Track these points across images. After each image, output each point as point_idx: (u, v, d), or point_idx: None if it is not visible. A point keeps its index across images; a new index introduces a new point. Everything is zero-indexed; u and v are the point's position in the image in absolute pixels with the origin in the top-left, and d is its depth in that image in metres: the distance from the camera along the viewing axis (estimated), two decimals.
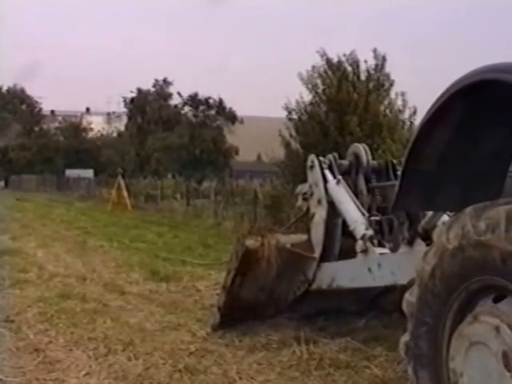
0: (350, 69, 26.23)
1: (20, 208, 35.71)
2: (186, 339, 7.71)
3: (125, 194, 35.77)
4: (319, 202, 8.01)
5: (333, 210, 7.82)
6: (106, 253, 15.93)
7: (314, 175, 8.19)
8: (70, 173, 67.28)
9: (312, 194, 8.19)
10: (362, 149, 8.24)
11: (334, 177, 7.99)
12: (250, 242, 7.62)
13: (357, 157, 8.22)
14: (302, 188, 8.57)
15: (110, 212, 32.67)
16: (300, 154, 24.93)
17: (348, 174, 8.18)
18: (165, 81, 76.26)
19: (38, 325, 8.40)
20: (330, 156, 8.30)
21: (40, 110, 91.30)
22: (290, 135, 26.63)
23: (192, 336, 7.87)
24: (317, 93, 26.21)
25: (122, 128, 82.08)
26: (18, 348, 7.40)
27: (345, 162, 8.32)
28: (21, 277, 11.91)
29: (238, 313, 7.83)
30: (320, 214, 7.94)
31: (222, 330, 7.84)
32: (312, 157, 8.38)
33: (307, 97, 26.49)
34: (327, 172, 8.09)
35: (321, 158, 8.24)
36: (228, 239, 16.53)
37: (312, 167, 8.27)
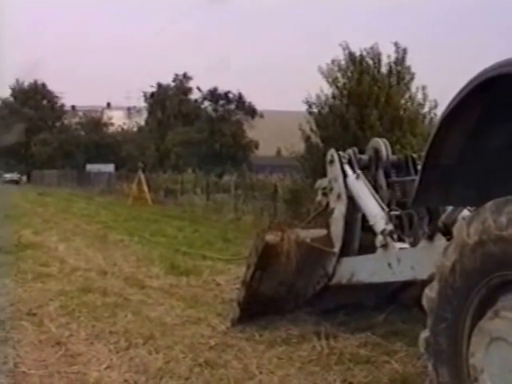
0: (371, 62, 26.14)
1: (42, 202, 35.92)
2: (206, 333, 7.73)
3: (145, 188, 35.89)
4: (339, 196, 8.00)
5: (352, 204, 7.81)
6: (127, 247, 16.00)
7: (334, 170, 8.18)
8: (91, 167, 67.57)
9: (332, 189, 8.18)
10: (381, 143, 8.21)
11: (354, 171, 7.97)
12: (270, 237, 7.61)
13: (376, 151, 8.20)
14: (322, 183, 8.56)
15: (131, 206, 32.79)
16: (320, 148, 24.85)
17: (368, 169, 8.16)
18: (185, 75, 76.39)
19: (59, 318, 8.45)
20: (349, 151, 8.28)
21: (61, 105, 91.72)
22: (311, 129, 26.55)
23: (212, 330, 7.88)
24: (337, 86, 26.13)
25: (143, 123, 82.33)
26: (40, 341, 7.46)
27: (364, 157, 8.30)
28: (42, 270, 11.99)
29: (258, 307, 7.84)
30: (340, 208, 7.93)
31: (242, 325, 7.85)
32: (332, 151, 8.36)
33: (328, 90, 26.43)
34: (347, 167, 8.07)
35: (340, 153, 8.22)
36: (248, 234, 16.53)
37: (332, 162, 8.26)
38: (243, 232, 19.16)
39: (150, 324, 8.15)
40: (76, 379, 6.21)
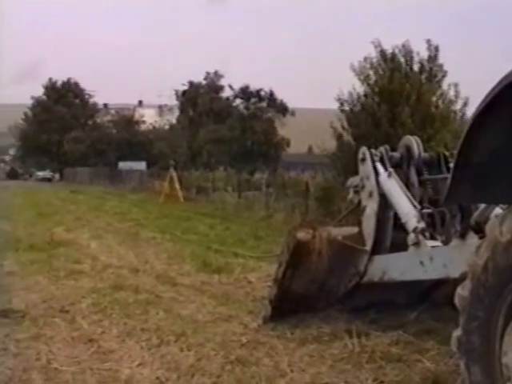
0: (402, 60, 26.03)
1: (74, 200, 36.20)
2: (237, 331, 7.74)
3: (177, 186, 35.99)
4: (371, 194, 7.98)
5: (384, 202, 7.78)
6: (159, 244, 16.05)
7: (366, 168, 8.16)
8: (123, 165, 67.93)
9: (363, 187, 8.16)
10: (413, 141, 8.17)
11: (386, 169, 7.94)
12: (302, 235, 7.59)
13: (408, 149, 8.16)
14: (354, 181, 8.55)
15: (162, 204, 32.89)
16: (352, 145, 24.82)
17: (399, 167, 8.12)
18: (216, 73, 76.59)
19: (91, 315, 8.50)
20: (381, 148, 8.26)
21: (93, 103, 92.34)
22: (342, 127, 26.51)
23: (244, 328, 7.89)
24: (369, 84, 26.06)
25: (174, 121, 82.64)
26: (72, 338, 7.50)
27: (396, 155, 8.26)
28: (75, 268, 12.07)
29: (290, 305, 7.83)
30: (371, 206, 7.91)
31: (274, 322, 7.85)
32: (363, 149, 8.34)
33: (359, 88, 26.37)
34: (378, 165, 8.05)
35: (372, 151, 8.20)
36: (279, 231, 16.53)
37: (363, 160, 8.24)
38: (274, 230, 19.16)
39: (181, 321, 8.18)
40: (108, 376, 6.24)
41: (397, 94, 24.52)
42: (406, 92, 24.54)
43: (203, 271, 11.89)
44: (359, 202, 8.31)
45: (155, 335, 7.52)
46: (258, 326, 7.88)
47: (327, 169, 29.12)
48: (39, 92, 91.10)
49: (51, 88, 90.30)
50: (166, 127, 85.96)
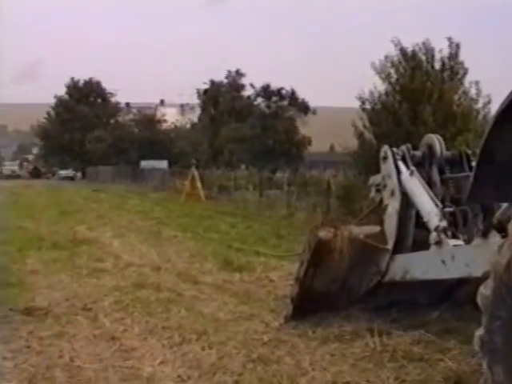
0: (423, 58, 25.95)
1: (96, 199, 36.35)
2: (259, 329, 7.75)
3: (198, 184, 36.01)
4: (392, 193, 7.97)
5: (406, 201, 7.77)
6: (180, 243, 16.09)
7: (388, 166, 8.16)
8: (145, 164, 68.05)
9: (385, 186, 8.16)
10: (435, 139, 8.15)
11: (408, 168, 7.92)
12: (323, 234, 7.60)
13: (430, 148, 8.14)
14: (375, 179, 8.55)
15: (184, 203, 32.94)
16: (373, 144, 24.81)
17: (421, 165, 8.10)
18: (237, 72, 76.58)
19: (114, 313, 8.55)
20: (403, 147, 8.24)
21: (115, 102, 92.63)
22: (364, 125, 26.50)
23: (265, 326, 7.90)
24: (390, 82, 26.02)
25: (196, 119, 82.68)
26: (94, 336, 7.55)
27: (418, 153, 8.24)
28: (97, 266, 12.14)
29: (311, 304, 7.83)
30: (393, 205, 7.90)
31: (295, 321, 7.85)
32: (385, 148, 8.33)
33: (381, 86, 26.33)
34: (400, 163, 8.04)
35: (394, 149, 8.19)
36: (301, 230, 16.52)
37: (385, 158, 8.23)
38: (296, 228, 19.14)
39: (203, 320, 8.20)
40: (130, 374, 6.27)
41: (418, 93, 24.48)
42: (428, 90, 24.48)
43: (225, 270, 11.91)
44: (381, 201, 8.30)
45: (177, 333, 7.55)
46: (279, 325, 7.89)
47: (349, 167, 29.09)
48: (61, 91, 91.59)
49: (73, 87, 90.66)
50: (188, 126, 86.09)
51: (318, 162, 62.49)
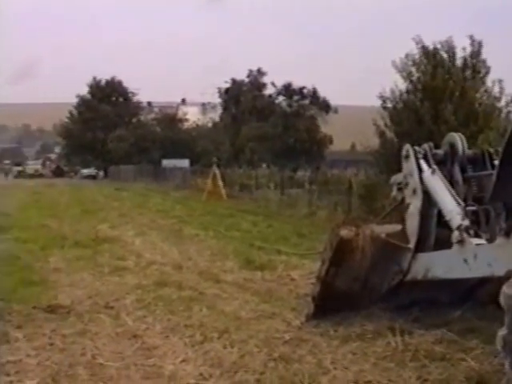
0: (445, 56, 25.83)
1: (118, 197, 36.47)
2: (280, 328, 7.76)
3: (220, 183, 36.03)
4: (414, 192, 7.94)
5: (428, 200, 7.75)
6: (202, 241, 16.11)
7: (409, 165, 8.14)
8: (167, 163, 68.06)
9: (407, 184, 8.13)
10: (457, 138, 8.12)
11: (430, 166, 7.90)
12: (345, 232, 7.60)
13: (452, 146, 8.11)
14: (397, 178, 8.52)
15: (206, 201, 32.95)
16: (394, 143, 24.74)
17: (443, 164, 8.08)
18: (259, 71, 76.68)
19: (136, 311, 8.59)
20: (425, 145, 8.21)
21: (137, 101, 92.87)
22: (385, 124, 26.43)
23: (287, 325, 7.90)
24: (411, 81, 25.93)
25: (217, 118, 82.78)
26: (116, 334, 7.59)
27: (440, 152, 8.22)
28: (119, 264, 12.19)
29: (333, 303, 7.83)
30: (415, 204, 7.88)
31: (317, 320, 7.85)
32: (407, 146, 8.31)
33: (402, 85, 26.24)
34: (422, 162, 8.01)
35: (416, 148, 8.17)
36: (322, 229, 16.48)
37: (407, 157, 8.21)
38: (317, 227, 19.11)
39: (224, 318, 8.22)
40: (152, 372, 6.30)
41: (440, 91, 24.37)
42: (449, 89, 24.37)
43: (246, 268, 11.92)
44: (402, 200, 8.28)
45: (199, 332, 7.57)
46: (300, 324, 7.89)
47: (370, 166, 29.02)
48: (83, 91, 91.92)
49: (96, 87, 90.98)
50: (209, 125, 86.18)
51: (339, 160, 62.45)
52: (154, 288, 10.02)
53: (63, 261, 12.56)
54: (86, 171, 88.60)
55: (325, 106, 73.05)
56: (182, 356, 6.73)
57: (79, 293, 9.73)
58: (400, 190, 8.37)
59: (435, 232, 7.77)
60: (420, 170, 7.95)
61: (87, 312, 8.53)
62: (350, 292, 7.86)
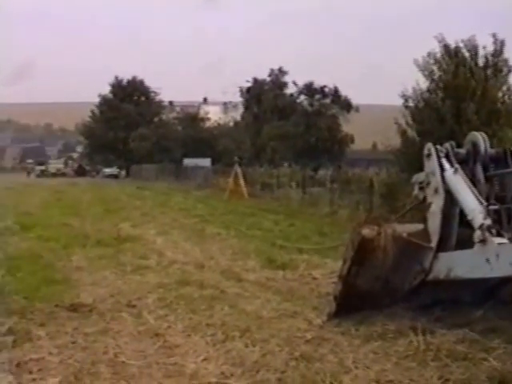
0: (467, 54, 25.69)
1: (140, 196, 36.56)
2: (302, 327, 7.77)
3: (241, 182, 36.06)
4: (436, 191, 7.92)
5: (450, 199, 7.72)
6: (223, 240, 16.13)
7: (431, 164, 8.11)
8: (188, 162, 68.11)
9: (429, 183, 8.11)
10: (479, 137, 8.09)
11: (452, 165, 7.87)
12: (367, 231, 7.60)
13: (474, 145, 8.08)
14: (419, 177, 8.50)
15: (227, 200, 32.99)
16: (416, 142, 24.63)
17: (465, 163, 8.05)
18: (280, 70, 76.57)
19: (157, 310, 8.63)
20: (447, 144, 8.19)
21: (159, 100, 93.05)
22: (406, 123, 26.32)
23: (308, 324, 7.91)
24: (433, 79, 25.80)
25: (239, 117, 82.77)
26: (138, 332, 7.63)
27: (462, 151, 8.19)
28: (141, 263, 12.24)
29: (354, 302, 7.83)
30: (437, 203, 7.86)
31: (338, 319, 7.85)
32: (429, 145, 8.29)
33: (423, 84, 26.13)
34: (444, 161, 7.99)
35: (438, 147, 8.14)
36: (343, 227, 16.46)
37: (429, 156, 8.19)
38: (339, 226, 19.08)
39: (246, 317, 8.23)
40: (173, 370, 6.33)
41: (462, 90, 24.23)
42: (471, 87, 24.24)
43: (268, 267, 11.93)
44: (424, 199, 8.26)
45: (220, 330, 7.59)
46: (322, 323, 7.90)
47: (391, 165, 28.92)
48: (105, 90, 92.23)
49: (117, 86, 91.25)
50: (231, 124, 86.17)
51: (361, 159, 62.33)
52: (175, 287, 10.05)
53: (85, 259, 12.62)
54: (107, 170, 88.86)
55: (346, 105, 72.77)
56: (203, 355, 6.76)
57: (101, 291, 9.78)
58: (421, 188, 8.36)
59: (457, 231, 7.74)
60: (442, 169, 7.93)
61: (109, 311, 8.58)
62: (372, 291, 7.85)
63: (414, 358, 6.54)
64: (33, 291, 9.44)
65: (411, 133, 26.32)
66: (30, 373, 6.24)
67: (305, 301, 9.18)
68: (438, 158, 8.03)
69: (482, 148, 7.97)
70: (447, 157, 8.04)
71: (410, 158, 22.83)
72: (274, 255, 13.07)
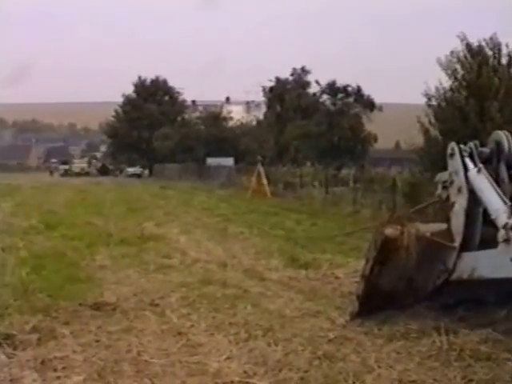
0: (490, 53, 25.56)
1: (163, 196, 36.66)
2: (324, 326, 7.76)
3: (264, 181, 36.06)
4: (459, 190, 7.87)
5: (473, 198, 7.67)
6: (246, 239, 16.14)
7: (455, 163, 8.06)
8: (211, 161, 68.20)
9: (452, 183, 8.06)
10: (503, 136, 8.03)
11: (475, 165, 7.82)
12: (389, 231, 7.59)
13: (498, 144, 8.02)
14: (442, 176, 8.45)
15: (250, 199, 32.99)
16: (439, 140, 24.55)
17: (489, 162, 7.99)
18: (303, 69, 76.59)
19: (180, 309, 8.65)
20: (470, 144, 8.14)
21: (182, 100, 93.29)
22: (429, 122, 26.23)
23: (331, 323, 7.90)
24: (456, 78, 25.71)
25: (261, 117, 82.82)
26: (162, 331, 7.66)
27: (486, 150, 8.13)
28: (164, 262, 12.28)
29: (377, 302, 7.81)
30: (460, 202, 7.81)
31: (361, 318, 7.84)
32: (452, 144, 8.24)
33: (446, 82, 26.03)
34: (468, 160, 7.94)
35: (461, 146, 8.09)
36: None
37: (452, 155, 8.14)
38: (362, 225, 19.03)
39: (269, 316, 8.24)
40: (196, 369, 6.34)
41: (485, 88, 24.11)
42: (495, 86, 24.11)
43: (291, 266, 11.93)
44: (447, 198, 8.22)
45: (243, 329, 7.60)
46: (345, 322, 7.88)
47: (414, 164, 28.84)
48: (129, 90, 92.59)
49: (141, 86, 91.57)
50: (254, 123, 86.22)
51: (384, 158, 62.14)
52: (198, 286, 10.08)
53: (109, 258, 12.67)
54: (131, 170, 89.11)
55: (369, 104, 72.65)
56: (226, 353, 6.77)
57: (125, 290, 9.82)
58: (445, 188, 8.30)
59: (481, 231, 7.70)
60: (465, 168, 7.88)
61: (133, 309, 8.62)
62: (395, 291, 7.83)
63: (437, 357, 6.52)
64: (57, 290, 9.50)
65: (434, 132, 26.24)
66: (55, 370, 6.29)
67: (327, 300, 9.17)
68: (462, 157, 7.97)
69: (506, 147, 7.90)
70: (471, 156, 7.99)
71: (433, 157, 22.78)
72: (297, 254, 13.07)
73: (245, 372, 6.23)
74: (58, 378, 6.12)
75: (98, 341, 7.24)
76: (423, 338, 7.13)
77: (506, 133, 8.16)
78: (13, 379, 6.08)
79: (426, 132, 26.49)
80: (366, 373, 6.14)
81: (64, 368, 6.35)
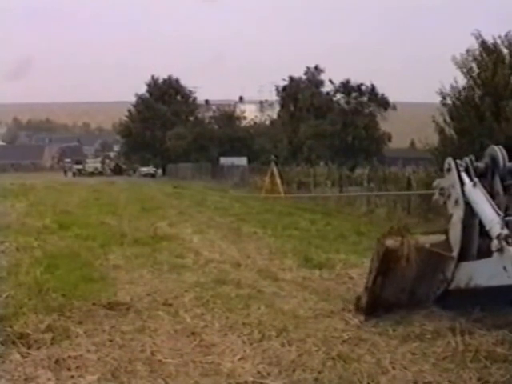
0: (506, 51, 25.46)
1: (177, 195, 36.72)
2: (339, 327, 7.73)
3: (278, 181, 36.08)
4: (456, 202, 8.07)
5: (470, 210, 7.82)
6: (260, 239, 16.12)
7: (451, 177, 8.26)
8: (225, 161, 68.39)
9: (450, 196, 8.25)
10: (498, 151, 8.18)
11: (471, 179, 7.98)
12: (390, 242, 7.74)
13: (493, 159, 8.17)
14: (440, 182, 8.62)
15: (264, 199, 32.96)
16: (454, 140, 24.49)
17: (484, 176, 8.19)
18: (316, 68, 76.57)
19: (194, 309, 8.62)
20: (466, 159, 8.36)
21: (195, 99, 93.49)
22: (444, 121, 26.16)
23: (345, 324, 7.87)
24: (471, 77, 25.63)
25: (275, 116, 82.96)
26: (175, 331, 7.64)
27: (481, 165, 8.32)
28: (178, 262, 12.25)
29: (380, 312, 7.94)
30: (458, 214, 8.01)
31: (376, 319, 7.83)
32: (449, 160, 8.48)
33: (462, 81, 25.95)
34: (464, 175, 8.13)
35: (457, 161, 8.29)
36: (381, 227, 16.36)
37: (449, 170, 8.39)
38: (376, 225, 19.04)
39: (283, 316, 8.21)
40: (210, 369, 6.33)
41: (501, 87, 24.02)
42: (511, 85, 24.02)
43: (305, 266, 11.90)
44: (444, 203, 8.38)
45: (257, 330, 7.57)
46: (359, 323, 7.86)
47: (429, 163, 28.77)
48: (142, 89, 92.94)
49: (154, 85, 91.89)
50: (267, 123, 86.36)
51: (398, 158, 62.07)
52: (212, 286, 10.05)
53: (122, 258, 12.66)
54: (144, 169, 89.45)
55: (383, 103, 72.55)
56: (240, 354, 6.75)
57: (138, 290, 9.80)
58: (441, 194, 8.46)
59: (478, 241, 7.82)
60: (462, 182, 8.04)
61: (146, 309, 8.60)
62: (397, 303, 7.97)
63: (452, 359, 6.49)
64: (71, 289, 9.49)
65: (449, 131, 26.17)
66: (69, 370, 6.28)
67: (342, 300, 9.14)
68: (458, 172, 8.21)
69: (501, 161, 8.09)
70: (467, 171, 8.20)
71: (448, 157, 22.71)
72: (311, 254, 13.05)
73: (258, 372, 6.21)
74: (72, 377, 6.12)
75: (111, 340, 7.24)
76: (438, 338, 7.09)
77: (501, 148, 8.29)
78: (27, 378, 6.08)
79: (441, 131, 26.43)
80: (381, 374, 6.11)
81: (78, 367, 6.34)
